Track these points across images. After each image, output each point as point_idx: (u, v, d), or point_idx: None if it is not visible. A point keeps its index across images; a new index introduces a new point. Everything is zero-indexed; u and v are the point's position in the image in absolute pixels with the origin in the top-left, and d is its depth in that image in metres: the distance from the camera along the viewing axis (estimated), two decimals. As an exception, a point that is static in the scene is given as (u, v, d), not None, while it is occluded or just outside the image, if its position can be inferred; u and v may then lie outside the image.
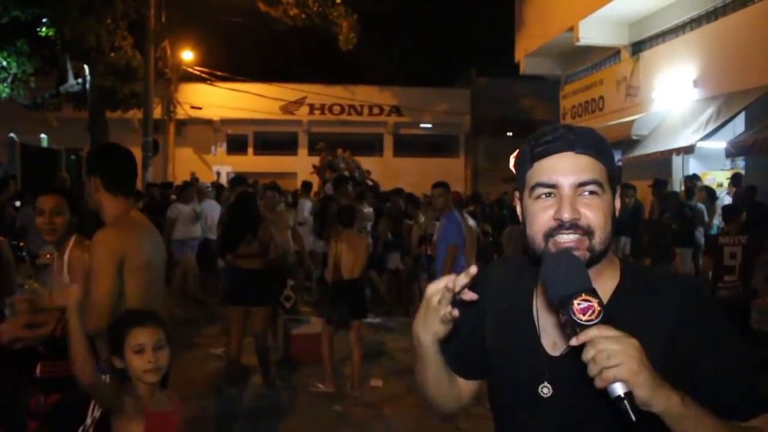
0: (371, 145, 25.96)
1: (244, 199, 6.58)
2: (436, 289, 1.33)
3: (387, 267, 10.24)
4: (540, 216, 1.38)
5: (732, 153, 9.64)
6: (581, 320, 1.15)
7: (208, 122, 25.21)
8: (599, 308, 1.16)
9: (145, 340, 2.39)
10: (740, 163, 13.69)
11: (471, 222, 7.67)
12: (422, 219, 8.98)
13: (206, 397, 6.09)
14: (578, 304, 1.17)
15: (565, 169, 1.37)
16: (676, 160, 12.95)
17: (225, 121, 25.32)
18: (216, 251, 8.12)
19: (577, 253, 1.32)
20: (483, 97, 26.33)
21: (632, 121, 12.72)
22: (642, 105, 13.66)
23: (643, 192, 12.47)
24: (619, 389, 1.12)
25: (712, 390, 1.30)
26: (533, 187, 1.40)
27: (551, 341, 1.42)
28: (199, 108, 24.37)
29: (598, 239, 1.35)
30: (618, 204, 1.44)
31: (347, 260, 6.17)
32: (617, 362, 1.12)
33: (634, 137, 12.57)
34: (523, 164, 1.48)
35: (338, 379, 6.47)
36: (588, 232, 1.34)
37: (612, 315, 1.23)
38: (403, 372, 6.80)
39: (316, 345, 6.35)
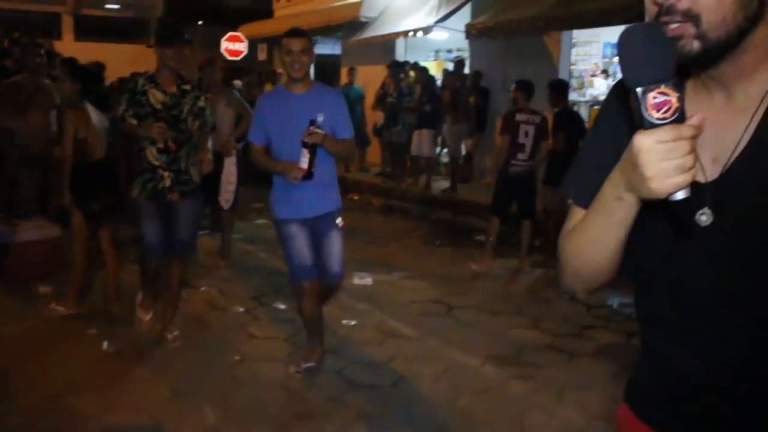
0: (48, 27, 22.19)
1: None
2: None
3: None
4: (647, 3, 1.11)
5: (473, 35, 9.73)
6: (652, 117, 0.99)
7: None
8: (678, 104, 0.98)
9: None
10: (447, 54, 14.41)
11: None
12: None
13: None
14: (653, 97, 0.99)
15: None
16: (399, 46, 12.99)
17: None
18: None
19: (683, 43, 1.06)
20: (178, -23, 23.98)
21: (360, 2, 12.32)
22: (367, -13, 13.31)
23: (366, 75, 12.36)
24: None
25: None
26: None
27: (710, 156, 1.15)
28: None
29: (708, 23, 1.05)
30: None
31: (95, 135, 4.79)
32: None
33: (363, 19, 12.23)
34: None
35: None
36: (690, 17, 1.06)
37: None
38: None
39: (43, 254, 4.92)
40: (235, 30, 16.93)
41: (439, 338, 4.84)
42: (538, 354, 4.63)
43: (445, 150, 11.16)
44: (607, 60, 13.50)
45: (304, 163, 3.74)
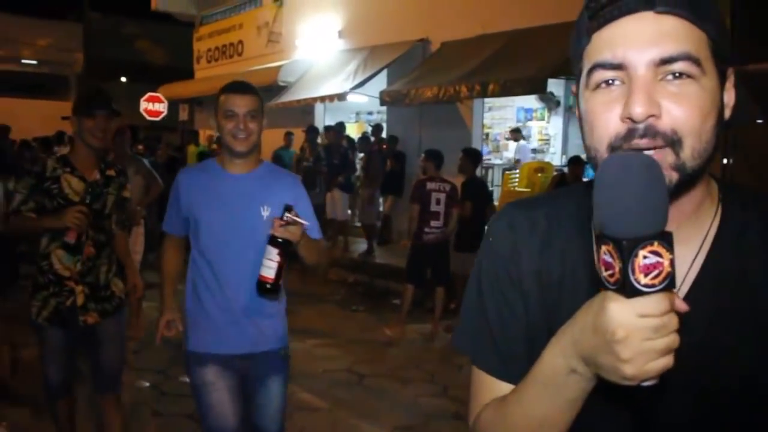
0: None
1: None
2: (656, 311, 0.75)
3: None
4: (601, 115, 0.89)
5: (387, 102, 10.00)
6: (639, 282, 0.74)
7: None
8: (670, 269, 0.75)
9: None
10: (367, 117, 14.72)
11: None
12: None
13: None
14: (644, 257, 0.74)
15: (638, 37, 0.86)
16: (319, 109, 13.19)
17: None
18: None
19: None
20: (98, 34, 23.80)
21: (279, 67, 12.52)
22: (285, 52, 13.55)
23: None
24: None
25: None
26: (591, 71, 0.90)
27: None
28: None
29: (690, 151, 0.87)
30: (730, 98, 0.93)
31: None
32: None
33: (281, 83, 12.40)
34: (578, 39, 0.94)
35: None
36: (672, 142, 0.86)
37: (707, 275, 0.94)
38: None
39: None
40: (157, 88, 16.86)
41: (349, 409, 4.83)
42: (445, 423, 4.67)
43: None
44: (521, 124, 14.08)
45: (270, 270, 2.47)
